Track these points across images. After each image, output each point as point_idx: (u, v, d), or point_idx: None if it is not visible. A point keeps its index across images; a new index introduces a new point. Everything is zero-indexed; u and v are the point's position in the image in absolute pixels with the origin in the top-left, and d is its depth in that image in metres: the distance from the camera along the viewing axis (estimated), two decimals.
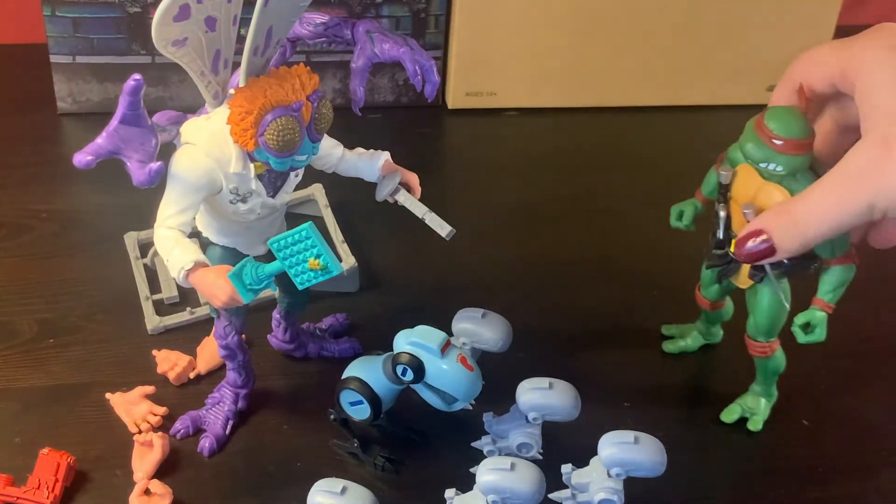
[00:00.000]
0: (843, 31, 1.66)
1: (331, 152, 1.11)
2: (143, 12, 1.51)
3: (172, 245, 0.99)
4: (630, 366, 1.26)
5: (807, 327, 1.08)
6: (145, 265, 1.32)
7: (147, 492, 1.08)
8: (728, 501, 1.13)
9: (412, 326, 1.07)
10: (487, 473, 1.00)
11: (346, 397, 1.09)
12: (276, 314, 1.23)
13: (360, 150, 1.13)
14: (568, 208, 1.49)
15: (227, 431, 1.15)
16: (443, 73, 1.63)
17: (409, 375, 1.05)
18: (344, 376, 1.09)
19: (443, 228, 1.10)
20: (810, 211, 0.95)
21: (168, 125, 1.04)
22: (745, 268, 1.13)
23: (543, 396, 1.08)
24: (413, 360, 1.05)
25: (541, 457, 1.11)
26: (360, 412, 1.09)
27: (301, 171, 1.06)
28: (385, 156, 1.12)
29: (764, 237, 0.97)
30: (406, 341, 1.05)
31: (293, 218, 1.11)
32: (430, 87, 1.11)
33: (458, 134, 1.65)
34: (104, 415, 1.17)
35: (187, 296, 1.30)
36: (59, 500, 1.07)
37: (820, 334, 1.08)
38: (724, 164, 1.11)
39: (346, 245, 1.35)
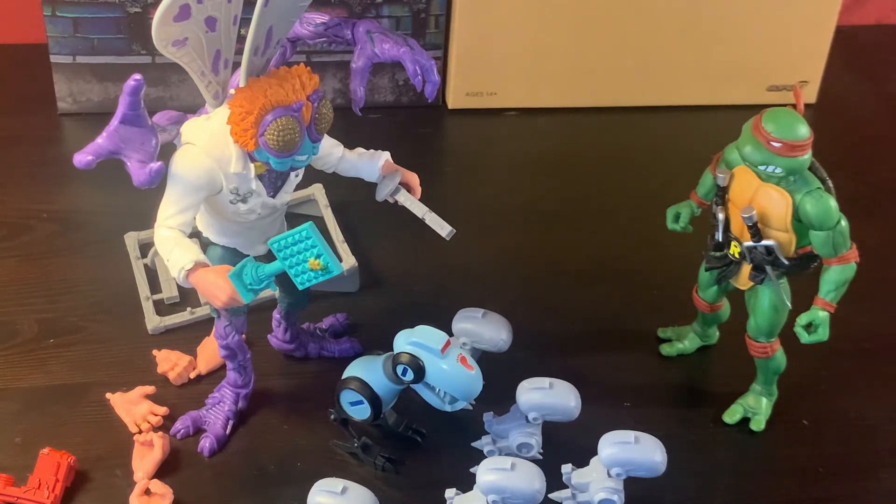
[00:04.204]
0: (843, 31, 1.67)
1: (331, 152, 1.11)
2: (143, 12, 1.51)
3: (172, 245, 0.99)
4: (630, 366, 1.26)
5: (809, 327, 1.08)
6: (145, 265, 1.33)
7: (147, 492, 1.08)
8: (728, 501, 1.13)
9: (412, 326, 1.07)
10: (487, 473, 1.00)
11: (347, 397, 1.09)
12: (276, 314, 1.23)
13: (360, 150, 1.13)
14: (568, 208, 1.49)
15: (228, 431, 1.15)
16: (443, 73, 1.63)
17: (410, 375, 1.05)
18: (344, 376, 1.09)
19: (443, 228, 1.10)
20: None
21: (168, 125, 1.04)
22: (746, 269, 1.13)
23: (543, 396, 1.08)
24: (413, 360, 1.05)
25: (541, 457, 1.11)
26: (361, 412, 1.09)
27: (301, 172, 1.06)
28: (385, 156, 1.13)
29: None
30: (406, 341, 1.06)
31: (293, 218, 1.11)
32: (431, 87, 1.11)
33: (459, 134, 1.65)
34: (104, 415, 1.17)
35: (187, 296, 1.30)
36: (60, 500, 1.08)
37: (823, 334, 1.08)
38: (720, 165, 1.12)
39: (346, 245, 1.35)
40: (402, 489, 1.11)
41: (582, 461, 1.06)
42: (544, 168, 1.57)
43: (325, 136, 1.06)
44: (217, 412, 1.16)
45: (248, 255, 1.04)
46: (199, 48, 0.97)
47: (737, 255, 1.13)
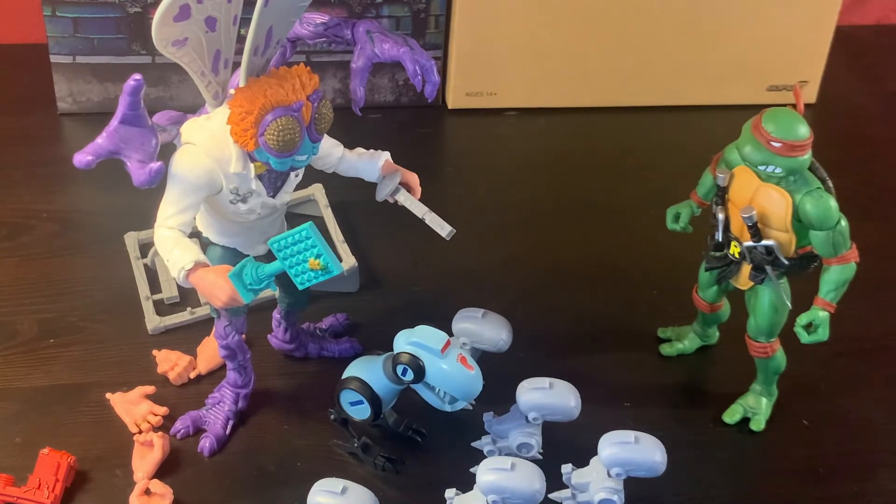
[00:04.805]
0: (843, 31, 1.67)
1: (331, 152, 1.11)
2: (143, 12, 1.51)
3: (172, 245, 0.99)
4: (630, 366, 1.26)
5: (809, 327, 1.08)
6: (145, 265, 1.33)
7: (147, 492, 1.08)
8: (728, 501, 1.13)
9: (412, 326, 1.07)
10: (487, 473, 1.00)
11: (347, 397, 1.09)
12: (276, 314, 1.23)
13: (360, 150, 1.13)
14: (568, 208, 1.49)
15: (228, 431, 1.15)
16: (443, 73, 1.63)
17: (410, 375, 1.05)
18: (344, 376, 1.09)
19: (443, 228, 1.10)
20: None
21: (168, 125, 1.04)
22: (746, 269, 1.13)
23: (544, 396, 1.08)
24: (413, 360, 1.05)
25: (541, 457, 1.11)
26: (361, 412, 1.09)
27: (301, 171, 1.06)
28: (385, 156, 1.13)
29: None
30: (406, 341, 1.06)
31: (293, 218, 1.11)
32: (431, 87, 1.11)
33: (459, 134, 1.65)
34: (104, 415, 1.17)
35: (187, 296, 1.30)
36: (60, 500, 1.08)
37: (823, 334, 1.08)
38: (720, 165, 1.12)
39: (346, 245, 1.35)
40: (402, 489, 1.11)
41: (582, 461, 1.06)
42: (544, 168, 1.57)
43: (325, 136, 1.06)
44: (217, 412, 1.16)
45: (248, 255, 1.05)
46: (199, 48, 0.97)
47: (737, 255, 1.13)
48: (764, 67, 1.66)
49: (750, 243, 1.10)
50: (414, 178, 1.13)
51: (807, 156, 1.05)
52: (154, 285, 1.31)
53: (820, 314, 1.08)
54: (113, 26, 1.52)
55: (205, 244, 1.08)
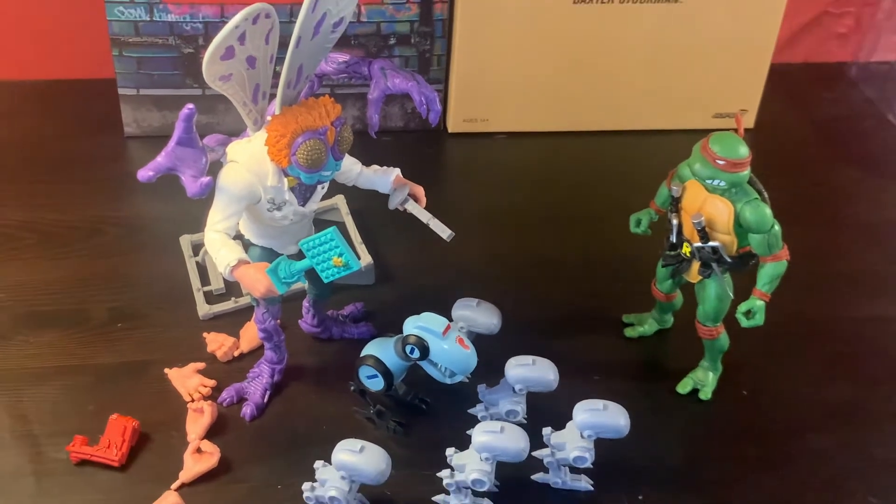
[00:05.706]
0: (776, 68, 1.67)
1: (351, 168, 1.11)
2: (195, 53, 1.51)
3: (220, 245, 0.99)
4: (600, 346, 1.26)
5: (748, 314, 1.08)
6: (197, 262, 1.33)
7: (199, 450, 1.08)
8: (681, 458, 1.13)
9: (419, 313, 1.07)
10: (481, 435, 1.00)
11: (364, 372, 1.09)
12: (305, 303, 1.23)
13: (375, 166, 1.13)
14: (549, 215, 1.49)
15: (265, 400, 1.16)
16: (444, 102, 1.63)
17: (416, 354, 1.05)
18: (362, 354, 1.09)
19: (444, 232, 1.10)
20: None
21: (216, 146, 1.04)
22: (695, 265, 1.13)
23: (528, 371, 1.08)
24: (419, 341, 1.05)
25: (525, 421, 1.11)
26: (375, 384, 1.09)
27: (326, 184, 1.06)
28: (396, 171, 1.13)
29: None
30: (413, 325, 1.06)
31: (320, 223, 1.11)
32: (434, 115, 1.12)
33: (458, 153, 1.65)
34: (163, 387, 1.17)
35: (232, 288, 1.30)
36: (126, 457, 1.08)
37: (759, 319, 1.08)
38: (675, 179, 1.12)
39: (363, 245, 1.35)
40: (409, 448, 1.11)
41: (559, 425, 1.06)
42: (529, 181, 1.57)
43: (346, 155, 1.06)
44: (256, 384, 1.16)
45: (283, 254, 1.05)
46: (242, 82, 0.98)
47: (688, 254, 1.13)
48: (711, 98, 1.65)
49: (699, 244, 1.10)
50: (420, 190, 1.13)
51: (746, 172, 1.05)
52: (204, 279, 1.31)
53: (757, 303, 1.08)
54: (170, 64, 1.52)
55: (246, 245, 1.08)
